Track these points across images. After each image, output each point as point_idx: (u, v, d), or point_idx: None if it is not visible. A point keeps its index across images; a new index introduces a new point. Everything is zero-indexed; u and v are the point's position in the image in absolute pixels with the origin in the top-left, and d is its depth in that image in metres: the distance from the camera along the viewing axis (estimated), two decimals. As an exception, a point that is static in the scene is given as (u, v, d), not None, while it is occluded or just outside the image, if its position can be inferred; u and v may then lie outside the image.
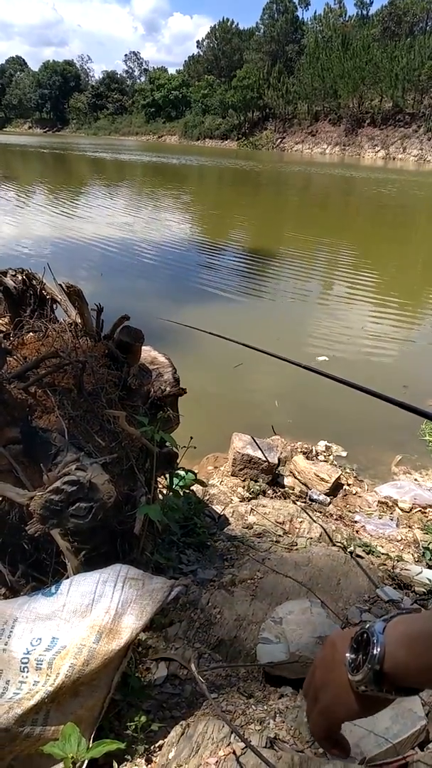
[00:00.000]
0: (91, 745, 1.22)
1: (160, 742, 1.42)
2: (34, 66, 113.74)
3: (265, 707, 1.58)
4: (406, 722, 1.39)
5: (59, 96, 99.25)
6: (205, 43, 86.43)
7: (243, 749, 1.30)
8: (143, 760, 1.38)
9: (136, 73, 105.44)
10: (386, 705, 0.65)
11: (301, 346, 6.45)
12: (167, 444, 2.05)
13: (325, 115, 66.61)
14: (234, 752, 1.30)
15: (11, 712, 1.23)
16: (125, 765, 1.37)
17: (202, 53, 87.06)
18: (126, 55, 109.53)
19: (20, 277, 2.00)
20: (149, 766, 1.37)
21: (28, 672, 1.30)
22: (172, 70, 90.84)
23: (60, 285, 2.02)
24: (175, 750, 1.36)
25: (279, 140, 69.84)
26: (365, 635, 0.63)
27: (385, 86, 59.28)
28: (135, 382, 2.03)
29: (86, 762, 1.20)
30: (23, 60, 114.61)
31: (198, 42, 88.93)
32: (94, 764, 1.31)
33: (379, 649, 0.60)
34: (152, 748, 1.41)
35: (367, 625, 0.64)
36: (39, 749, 1.21)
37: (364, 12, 74.04)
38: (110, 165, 36.21)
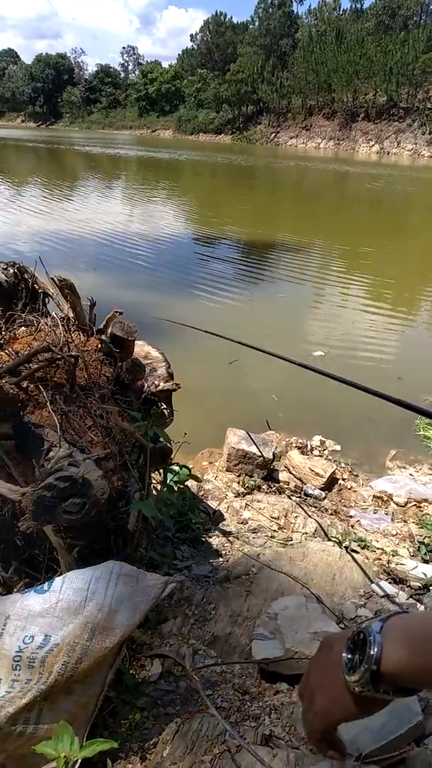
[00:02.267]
0: (84, 744, 1.21)
1: (155, 739, 1.41)
2: (27, 59, 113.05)
3: (261, 704, 1.57)
4: (403, 718, 1.39)
5: (52, 89, 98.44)
6: (198, 37, 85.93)
7: (238, 747, 1.29)
8: (137, 758, 1.37)
9: (131, 67, 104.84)
10: (383, 706, 0.64)
11: (297, 342, 6.44)
12: (161, 439, 2.03)
13: (319, 109, 66.42)
14: (229, 750, 1.29)
15: (3, 711, 1.22)
16: (119, 763, 1.35)
17: (195, 47, 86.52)
18: (123, 47, 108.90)
19: (11, 271, 1.97)
20: (143, 764, 1.36)
21: (20, 670, 1.28)
22: (166, 64, 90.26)
23: (52, 279, 2.00)
24: (169, 748, 1.35)
25: (273, 134, 69.59)
26: (362, 635, 0.62)
27: (379, 80, 59.13)
28: (128, 377, 2.01)
29: (79, 761, 1.19)
30: (16, 53, 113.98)
31: (192, 35, 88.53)
32: (87, 763, 1.30)
33: (376, 649, 0.59)
34: (146, 745, 1.40)
35: (364, 625, 0.63)
36: (32, 748, 1.20)
37: (359, 5, 73.90)
38: (104, 160, 35.98)
